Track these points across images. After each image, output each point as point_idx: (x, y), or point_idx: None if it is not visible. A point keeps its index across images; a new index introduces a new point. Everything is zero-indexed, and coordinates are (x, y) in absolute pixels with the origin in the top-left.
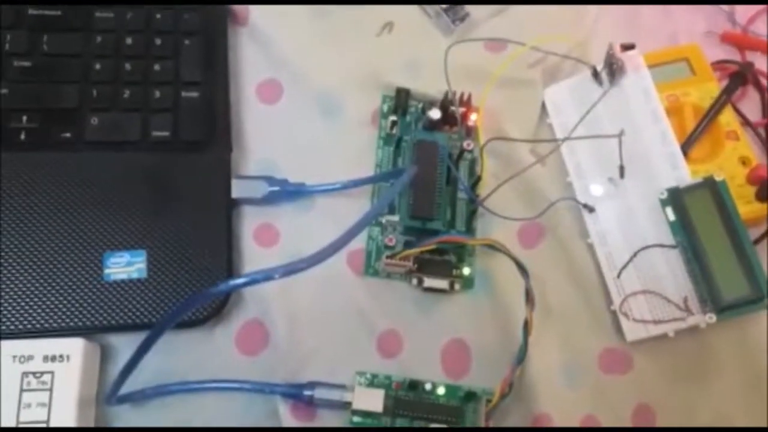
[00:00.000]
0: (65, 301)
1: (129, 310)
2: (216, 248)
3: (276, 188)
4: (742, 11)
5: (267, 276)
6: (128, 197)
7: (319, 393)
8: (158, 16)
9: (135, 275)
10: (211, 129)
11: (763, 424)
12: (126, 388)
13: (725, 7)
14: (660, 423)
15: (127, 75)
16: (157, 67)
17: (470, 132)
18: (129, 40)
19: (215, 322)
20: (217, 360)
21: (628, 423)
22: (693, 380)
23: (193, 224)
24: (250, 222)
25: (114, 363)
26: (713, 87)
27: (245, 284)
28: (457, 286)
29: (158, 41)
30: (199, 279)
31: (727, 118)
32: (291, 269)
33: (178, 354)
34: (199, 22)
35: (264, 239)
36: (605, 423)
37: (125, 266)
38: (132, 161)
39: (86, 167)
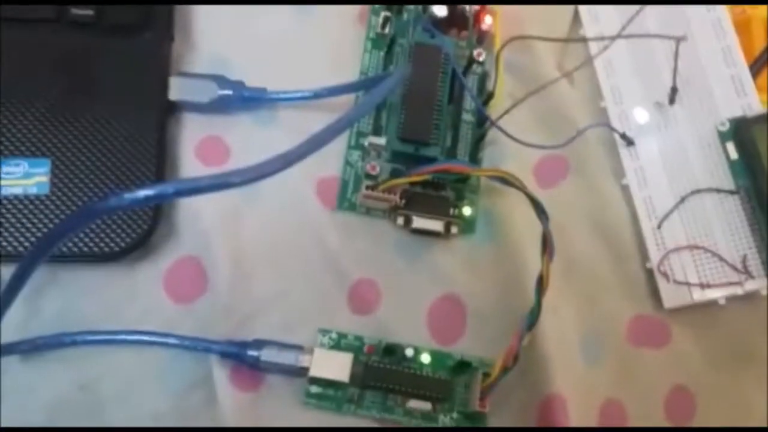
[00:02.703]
0: None
1: (24, 234)
2: (142, 162)
3: (228, 92)
4: None
5: (182, 189)
6: (32, 90)
7: (268, 354)
8: None
9: (33, 190)
10: (147, 11)
11: None
12: (18, 335)
13: None
14: (700, 411)
15: None
16: None
17: (483, 38)
18: None
19: (138, 256)
20: (139, 305)
21: (659, 409)
22: (745, 360)
23: (115, 130)
24: (192, 133)
25: None
26: None
27: (149, 199)
28: (454, 230)
29: None
30: None
31: None
32: (219, 182)
33: (88, 295)
34: None
35: (209, 156)
36: (632, 408)
37: (21, 177)
38: (41, 45)
39: None
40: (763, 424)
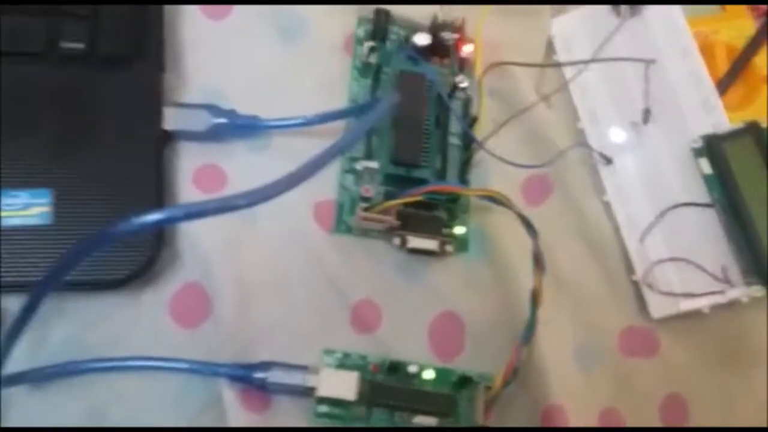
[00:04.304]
0: None
1: (27, 264)
2: (143, 190)
3: (222, 120)
4: None
5: (191, 212)
6: (28, 123)
7: (275, 376)
8: None
9: (34, 221)
10: (138, 43)
11: None
12: (25, 365)
13: None
14: (693, 416)
15: None
16: None
17: (463, 65)
18: None
19: (143, 284)
20: (145, 332)
21: (655, 416)
22: (732, 365)
23: (114, 160)
24: (189, 161)
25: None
26: (747, 25)
27: (161, 222)
28: (448, 248)
29: None
30: None
31: (763, 60)
32: (225, 204)
33: (94, 323)
34: None
35: (207, 183)
36: (629, 416)
37: (21, 209)
38: (33, 78)
39: None
40: (749, 424)
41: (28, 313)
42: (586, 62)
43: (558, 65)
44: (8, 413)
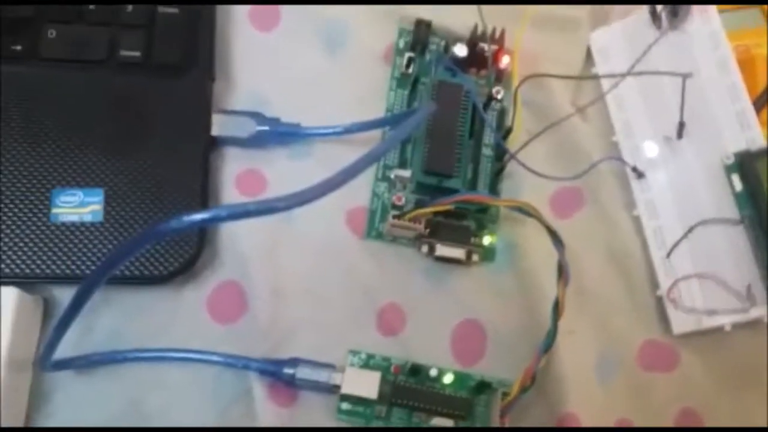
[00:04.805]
0: (2, 243)
1: (79, 258)
2: (189, 192)
3: (265, 128)
4: None
5: (234, 213)
6: (87, 126)
7: (302, 372)
8: None
9: (89, 218)
10: (191, 52)
11: None
12: (72, 351)
13: None
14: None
15: None
16: None
17: (500, 77)
18: None
19: (184, 280)
20: (185, 325)
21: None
22: (750, 384)
23: (163, 163)
24: (232, 166)
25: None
26: None
27: (205, 221)
28: (475, 257)
29: None
30: None
31: None
32: (266, 206)
33: (137, 315)
34: None
35: (248, 186)
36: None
37: (77, 206)
38: (94, 84)
39: (39, 87)
40: None
41: (78, 304)
42: (622, 75)
43: (594, 77)
44: (54, 396)
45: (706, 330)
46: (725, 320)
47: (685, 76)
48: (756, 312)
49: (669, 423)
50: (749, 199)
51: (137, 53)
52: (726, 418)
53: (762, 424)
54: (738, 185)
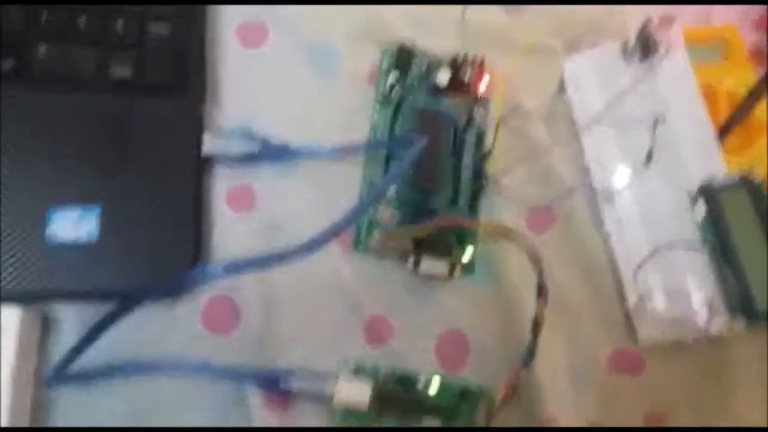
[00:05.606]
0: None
1: (75, 274)
2: (182, 210)
3: (255, 147)
4: None
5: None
6: (78, 145)
7: (296, 382)
8: None
9: (84, 237)
10: (181, 72)
11: None
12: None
13: None
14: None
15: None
16: None
17: (480, 101)
18: None
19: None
20: (180, 338)
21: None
22: (711, 391)
23: (156, 182)
24: (222, 183)
25: (56, 337)
26: (749, 74)
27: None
28: (457, 271)
29: None
30: (160, 245)
31: (763, 107)
32: (284, 257)
33: (134, 328)
34: None
35: (238, 203)
36: None
37: (74, 224)
38: (85, 103)
39: (30, 106)
40: None
41: (95, 332)
42: (596, 120)
43: (569, 110)
44: (51, 411)
45: (669, 341)
46: (687, 333)
47: (657, 120)
48: (716, 327)
49: (638, 424)
50: (711, 227)
51: (128, 73)
52: (687, 419)
53: (722, 423)
54: (701, 213)
